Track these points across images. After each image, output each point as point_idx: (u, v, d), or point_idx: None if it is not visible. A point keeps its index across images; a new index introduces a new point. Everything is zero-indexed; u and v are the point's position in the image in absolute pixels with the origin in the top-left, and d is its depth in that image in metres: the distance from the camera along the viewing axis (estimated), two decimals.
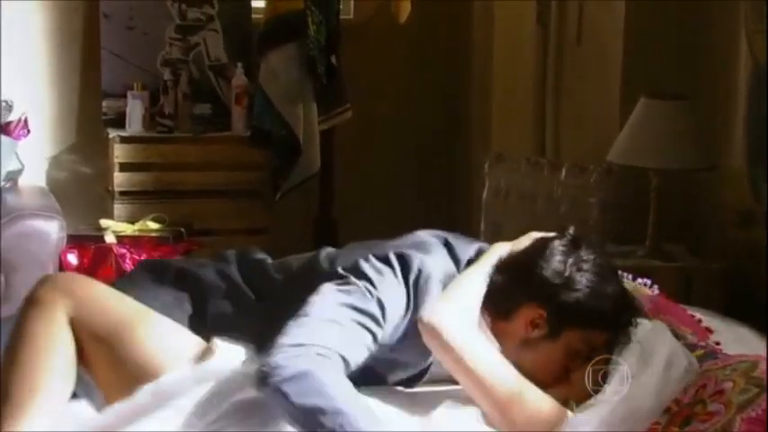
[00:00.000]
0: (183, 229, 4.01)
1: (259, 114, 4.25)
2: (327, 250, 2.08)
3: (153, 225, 4.01)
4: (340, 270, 1.93)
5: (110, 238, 3.86)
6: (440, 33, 4.63)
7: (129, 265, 3.74)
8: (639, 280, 2.43)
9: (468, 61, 4.58)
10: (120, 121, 4.34)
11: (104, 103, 4.38)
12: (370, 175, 4.63)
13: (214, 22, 4.49)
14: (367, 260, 1.94)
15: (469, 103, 4.58)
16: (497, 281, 1.95)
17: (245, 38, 4.48)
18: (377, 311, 1.87)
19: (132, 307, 1.87)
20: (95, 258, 3.77)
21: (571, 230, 1.98)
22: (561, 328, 1.91)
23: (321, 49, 4.22)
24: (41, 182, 4.40)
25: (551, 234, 2.00)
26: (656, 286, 2.38)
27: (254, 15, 4.51)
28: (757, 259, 2.77)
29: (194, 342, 1.87)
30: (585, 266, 1.91)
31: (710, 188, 2.96)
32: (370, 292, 1.88)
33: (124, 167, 4.21)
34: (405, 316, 1.92)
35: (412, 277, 1.92)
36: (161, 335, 1.84)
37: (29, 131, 4.09)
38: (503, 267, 1.97)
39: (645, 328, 1.99)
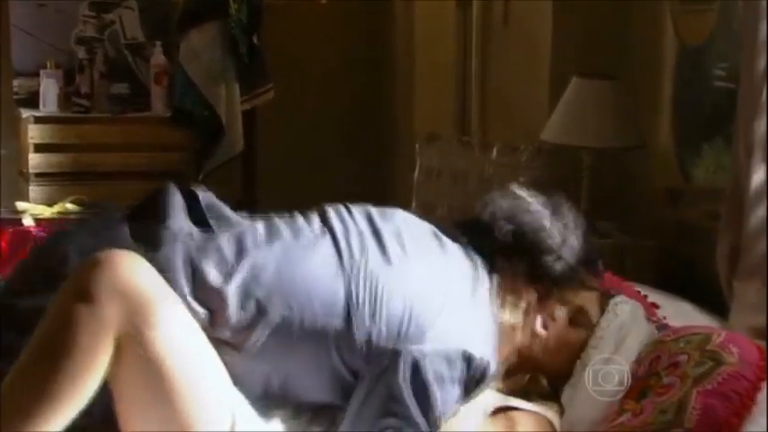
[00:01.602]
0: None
1: (180, 95, 4.19)
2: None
3: (72, 207, 3.91)
4: (399, 379, 1.73)
5: (27, 222, 3.74)
6: (361, 12, 4.62)
7: None
8: None
9: (390, 41, 4.58)
10: (32, 101, 4.25)
11: (15, 82, 4.28)
12: (293, 156, 4.60)
13: (129, 0, 4.40)
14: (430, 361, 1.75)
15: (393, 83, 4.57)
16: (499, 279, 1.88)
17: (163, 16, 4.42)
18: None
19: (181, 323, 1.69)
20: (13, 242, 3.64)
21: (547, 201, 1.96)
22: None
23: (243, 27, 4.17)
24: None
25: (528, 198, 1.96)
26: (600, 261, 2.40)
27: None
28: (685, 237, 2.84)
29: (228, 404, 1.73)
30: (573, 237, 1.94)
31: (639, 167, 3.02)
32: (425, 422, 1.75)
33: (39, 148, 4.11)
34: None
35: (471, 376, 1.80)
36: (201, 379, 1.69)
37: None
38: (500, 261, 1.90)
39: (627, 308, 2.04)
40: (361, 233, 1.85)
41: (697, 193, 2.81)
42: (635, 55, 3.11)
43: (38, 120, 4.11)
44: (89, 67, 4.22)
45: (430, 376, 1.74)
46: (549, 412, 1.96)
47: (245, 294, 1.76)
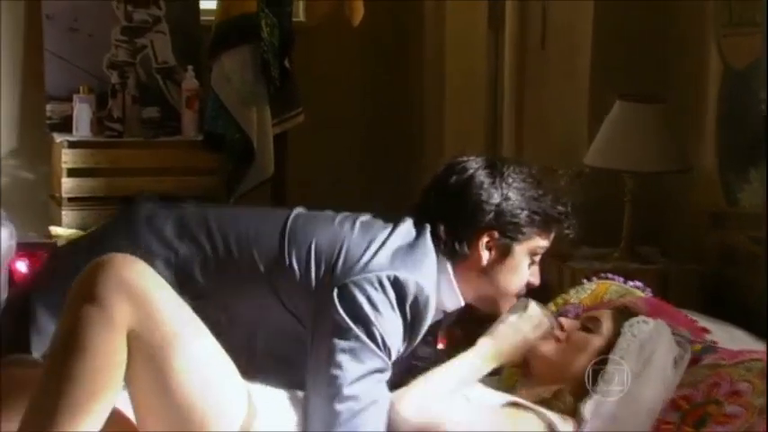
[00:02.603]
0: None
1: (212, 118, 4.21)
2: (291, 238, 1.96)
3: None
4: (339, 312, 1.86)
5: None
6: (392, 34, 4.64)
7: None
8: (631, 283, 2.45)
9: (420, 64, 4.60)
10: (65, 126, 4.26)
11: (48, 107, 4.29)
12: (322, 180, 4.61)
13: (161, 24, 4.43)
14: (361, 288, 1.88)
15: (423, 106, 4.59)
16: (441, 226, 2.00)
17: (194, 40, 4.43)
18: (384, 361, 1.89)
19: (183, 316, 1.76)
20: None
21: (482, 158, 2.07)
22: (509, 245, 2.02)
23: (275, 51, 4.19)
24: None
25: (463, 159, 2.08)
26: (648, 289, 2.40)
27: (202, 17, 4.45)
28: (729, 262, 2.83)
29: (239, 394, 1.80)
30: (511, 180, 2.03)
31: (682, 191, 3.01)
32: (375, 342, 1.87)
33: (72, 173, 4.12)
34: (403, 343, 1.94)
35: (408, 303, 1.92)
36: (209, 375, 1.76)
37: None
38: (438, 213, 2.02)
39: (647, 327, 2.02)
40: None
41: (742, 217, 2.80)
42: (678, 77, 3.11)
43: (72, 144, 4.12)
44: (121, 91, 4.23)
45: (362, 299, 1.87)
46: (559, 420, 1.96)
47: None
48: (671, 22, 3.13)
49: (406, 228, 2.01)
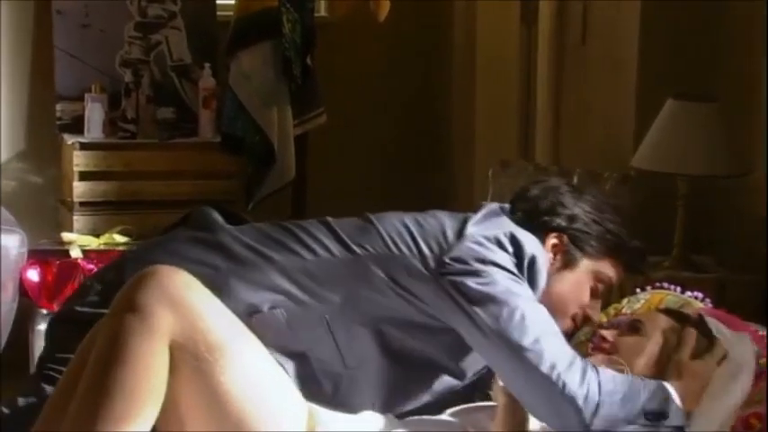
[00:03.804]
0: None
1: (230, 119, 4.13)
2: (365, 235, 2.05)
3: (119, 238, 3.84)
4: (467, 263, 1.92)
5: (75, 253, 3.68)
6: (418, 33, 4.57)
7: None
8: (689, 293, 2.39)
9: (448, 63, 4.53)
10: (76, 126, 4.18)
11: (59, 107, 4.21)
12: (345, 184, 4.53)
13: (176, 20, 4.35)
14: (479, 243, 1.96)
15: (451, 104, 4.52)
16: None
17: (211, 36, 4.35)
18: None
19: (230, 328, 1.76)
20: (61, 274, 3.59)
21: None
22: (577, 256, 2.08)
23: (297, 48, 4.12)
24: None
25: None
26: (708, 300, 2.33)
27: (219, 13, 4.37)
28: None
29: (297, 411, 1.80)
30: (591, 198, 2.15)
31: (738, 195, 2.93)
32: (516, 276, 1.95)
33: (84, 176, 4.04)
34: None
35: (525, 263, 1.98)
36: (262, 390, 1.75)
37: None
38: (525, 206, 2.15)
39: (730, 340, 2.03)
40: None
41: None
42: (730, 75, 3.02)
43: (84, 146, 4.05)
44: (135, 90, 4.16)
45: (478, 248, 1.95)
46: None
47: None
48: (722, 17, 3.05)
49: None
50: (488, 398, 2.13)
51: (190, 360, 1.69)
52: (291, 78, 4.10)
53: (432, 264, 1.97)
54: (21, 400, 1.97)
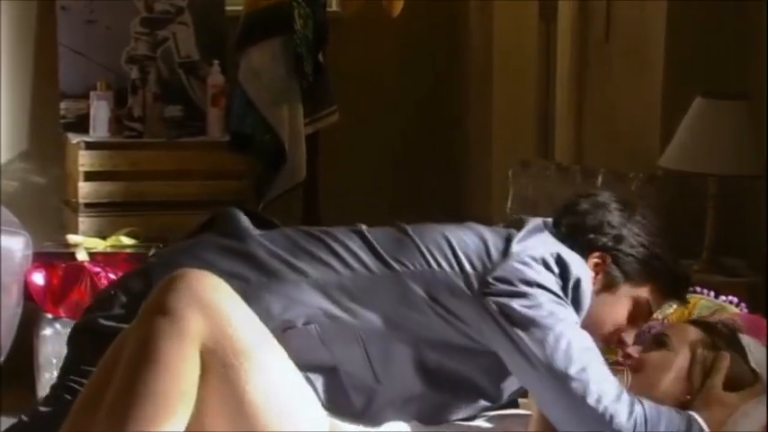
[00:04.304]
0: (161, 245, 3.79)
1: (239, 117, 4.08)
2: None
3: (127, 240, 3.80)
4: (512, 283, 1.88)
5: (81, 256, 3.63)
6: (432, 30, 4.52)
7: (104, 285, 3.52)
8: (723, 297, 2.34)
9: (464, 60, 4.48)
10: (81, 125, 4.13)
11: (63, 105, 4.16)
12: (357, 184, 4.48)
13: (184, 15, 4.30)
14: (525, 263, 1.91)
15: (467, 101, 4.47)
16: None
17: (220, 32, 4.30)
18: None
19: (257, 334, 1.75)
20: (67, 277, 3.53)
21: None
22: (618, 279, 2.02)
23: (309, 44, 4.07)
24: None
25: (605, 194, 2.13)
26: (743, 304, 2.29)
27: (228, 7, 4.32)
28: None
29: (319, 425, 1.77)
30: (641, 218, 2.06)
31: (765, 196, 2.87)
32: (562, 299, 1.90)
33: (90, 176, 3.99)
34: None
35: (571, 284, 1.93)
36: (287, 400, 1.73)
37: None
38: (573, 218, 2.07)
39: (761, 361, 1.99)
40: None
41: None
42: (760, 72, 2.97)
43: (89, 145, 4.00)
44: (142, 88, 4.12)
45: (524, 268, 1.91)
46: None
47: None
48: (751, 12, 3.00)
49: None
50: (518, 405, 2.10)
51: (218, 366, 1.68)
52: (303, 75, 4.05)
53: (474, 283, 1.91)
54: (42, 410, 1.95)
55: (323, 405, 1.86)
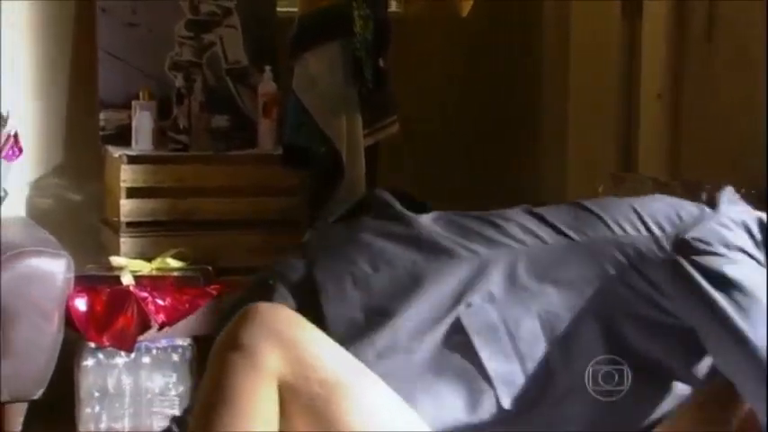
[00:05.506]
0: (210, 267, 3.65)
1: (293, 128, 3.92)
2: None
3: (174, 263, 3.65)
4: (710, 244, 1.77)
5: (127, 280, 3.48)
6: (502, 31, 4.43)
7: (152, 311, 3.39)
8: None
9: (537, 63, 4.38)
10: (121, 137, 4.01)
11: (102, 116, 4.04)
12: (419, 197, 4.34)
13: (232, 17, 4.20)
14: (724, 225, 1.81)
15: (541, 107, 4.37)
16: None
17: (270, 36, 4.19)
18: None
19: (345, 363, 1.72)
20: (111, 304, 3.41)
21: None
22: None
23: (369, 48, 3.92)
24: (21, 211, 4.06)
25: None
26: None
27: (279, 9, 4.24)
28: None
29: None
30: None
31: None
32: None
33: (132, 193, 3.85)
34: None
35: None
36: (381, 417, 1.70)
37: (21, 150, 3.75)
38: None
39: None
40: None
41: None
42: None
43: (132, 159, 3.86)
44: (188, 96, 3.99)
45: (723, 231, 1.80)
46: None
47: None
48: None
49: None
50: None
51: (302, 399, 1.68)
52: (362, 82, 3.90)
53: (666, 245, 1.80)
54: None
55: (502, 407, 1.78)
